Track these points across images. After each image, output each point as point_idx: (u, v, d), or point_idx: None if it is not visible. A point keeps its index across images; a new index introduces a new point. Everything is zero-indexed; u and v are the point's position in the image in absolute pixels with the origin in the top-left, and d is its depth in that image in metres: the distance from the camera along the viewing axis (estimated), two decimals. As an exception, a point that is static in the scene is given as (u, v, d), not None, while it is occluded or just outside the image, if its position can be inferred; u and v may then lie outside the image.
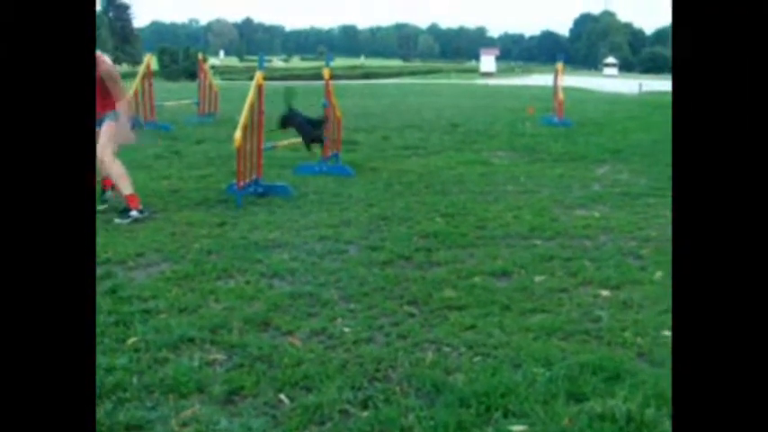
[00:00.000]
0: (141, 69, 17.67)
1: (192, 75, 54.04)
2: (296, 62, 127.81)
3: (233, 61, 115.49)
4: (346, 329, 4.80)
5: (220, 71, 67.74)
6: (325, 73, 11.50)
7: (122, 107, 8.09)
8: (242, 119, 8.73)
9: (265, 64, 10.08)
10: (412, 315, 5.11)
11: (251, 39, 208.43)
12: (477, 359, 4.36)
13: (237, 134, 8.53)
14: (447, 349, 4.52)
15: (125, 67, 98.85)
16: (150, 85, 17.37)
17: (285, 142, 11.04)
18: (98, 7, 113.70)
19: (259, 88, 9.15)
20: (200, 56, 20.56)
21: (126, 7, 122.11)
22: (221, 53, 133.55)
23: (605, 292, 5.57)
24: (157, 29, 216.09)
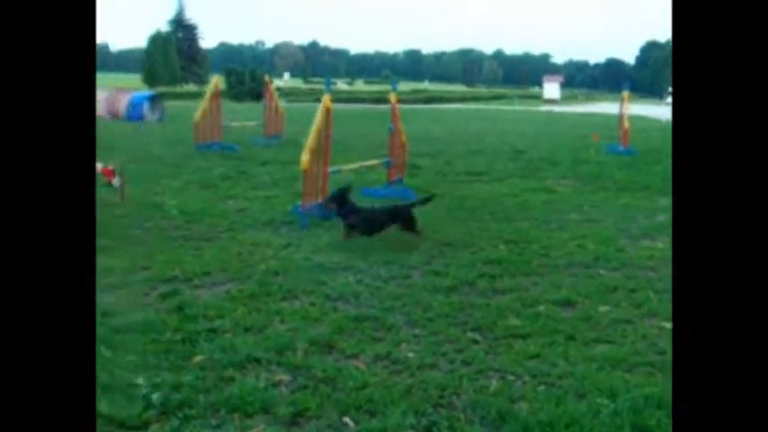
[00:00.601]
0: (209, 90, 17.89)
1: (257, 96, 54.63)
2: (360, 85, 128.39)
3: (297, 83, 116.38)
4: (410, 354, 4.81)
5: (285, 93, 68.19)
6: (392, 98, 11.56)
7: None
8: (309, 141, 8.81)
9: (333, 87, 10.15)
10: (476, 342, 5.10)
11: (316, 61, 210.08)
12: (541, 388, 4.34)
13: (304, 156, 8.61)
14: (511, 377, 4.51)
15: (191, 87, 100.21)
16: (218, 105, 17.57)
17: (350, 166, 11.10)
18: (166, 27, 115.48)
19: (327, 111, 9.23)
20: (266, 78, 20.77)
21: (193, 28, 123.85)
22: (286, 75, 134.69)
23: (670, 325, 5.51)
24: (225, 50, 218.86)
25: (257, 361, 4.64)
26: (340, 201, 8.13)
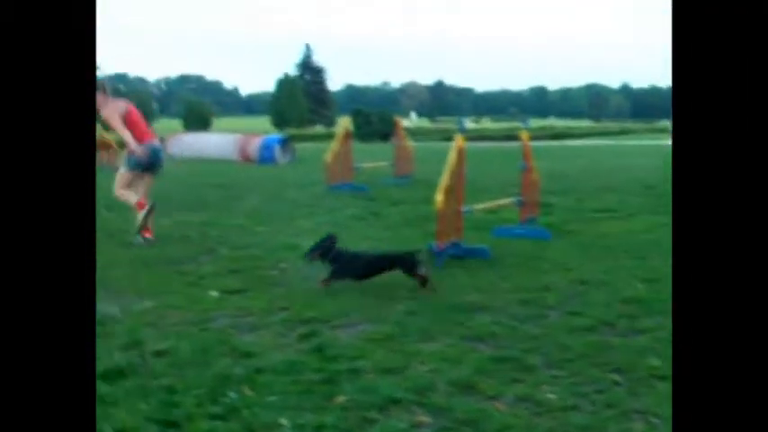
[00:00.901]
0: (339, 132, 18.18)
1: (384, 136, 55.10)
2: (486, 123, 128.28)
3: (424, 122, 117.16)
4: (551, 396, 4.77)
5: (412, 132, 68.37)
6: (523, 135, 11.53)
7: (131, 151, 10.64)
8: (443, 181, 8.86)
9: (465, 125, 10.20)
10: (617, 383, 5.02)
11: (442, 100, 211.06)
12: None
13: (439, 196, 8.66)
14: (655, 420, 4.42)
15: (320, 129, 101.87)
16: (348, 147, 17.84)
17: (482, 205, 11.09)
18: (294, 71, 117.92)
19: (459, 151, 9.27)
20: (396, 119, 21.00)
21: (320, 71, 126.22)
22: (413, 115, 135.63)
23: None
24: (351, 92, 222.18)
25: (398, 402, 4.67)
26: (324, 250, 7.89)
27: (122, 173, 10.88)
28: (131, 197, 10.69)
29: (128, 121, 10.61)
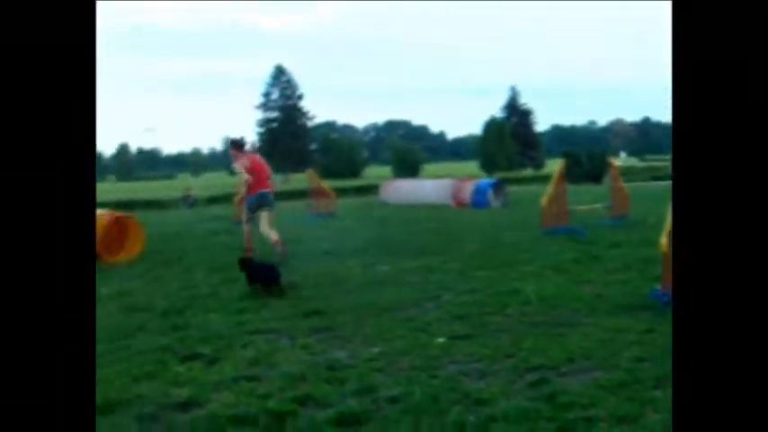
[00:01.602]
0: (555, 175, 18.05)
1: (595, 177, 54.36)
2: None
3: (632, 161, 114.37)
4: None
5: (621, 172, 66.74)
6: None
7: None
8: (668, 223, 8.65)
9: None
10: None
11: (649, 138, 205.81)
12: None
13: (664, 239, 8.46)
14: None
15: (528, 172, 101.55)
16: (563, 189, 17.68)
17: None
18: (500, 113, 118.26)
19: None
20: (611, 159, 20.66)
21: (528, 113, 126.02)
22: (623, 154, 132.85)
23: None
24: (557, 133, 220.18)
25: (636, 452, 4.57)
26: (243, 265, 10.82)
27: (259, 215, 14.56)
28: (272, 235, 14.36)
29: (250, 170, 14.32)
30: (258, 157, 15.37)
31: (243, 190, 15.16)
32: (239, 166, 14.45)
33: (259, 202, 14.40)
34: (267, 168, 14.90)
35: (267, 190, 14.56)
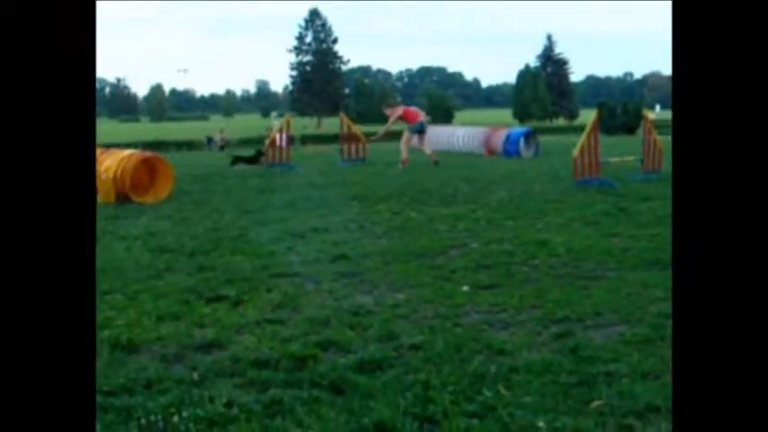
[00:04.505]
0: (588, 126, 17.84)
1: (629, 129, 53.80)
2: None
3: (667, 115, 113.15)
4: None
5: (656, 126, 66.04)
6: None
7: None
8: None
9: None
10: None
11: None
12: None
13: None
14: None
15: (561, 122, 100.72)
16: (596, 141, 17.48)
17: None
18: (536, 62, 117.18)
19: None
20: (645, 112, 20.41)
21: (564, 62, 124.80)
22: (657, 107, 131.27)
23: None
24: (592, 83, 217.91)
25: (657, 410, 4.51)
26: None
27: (406, 135, 23.32)
28: (404, 152, 22.75)
29: (405, 115, 23.44)
30: (410, 108, 24.66)
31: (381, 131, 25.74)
32: (391, 118, 23.68)
33: (417, 129, 23.34)
34: (416, 111, 24.13)
35: (421, 121, 23.41)
